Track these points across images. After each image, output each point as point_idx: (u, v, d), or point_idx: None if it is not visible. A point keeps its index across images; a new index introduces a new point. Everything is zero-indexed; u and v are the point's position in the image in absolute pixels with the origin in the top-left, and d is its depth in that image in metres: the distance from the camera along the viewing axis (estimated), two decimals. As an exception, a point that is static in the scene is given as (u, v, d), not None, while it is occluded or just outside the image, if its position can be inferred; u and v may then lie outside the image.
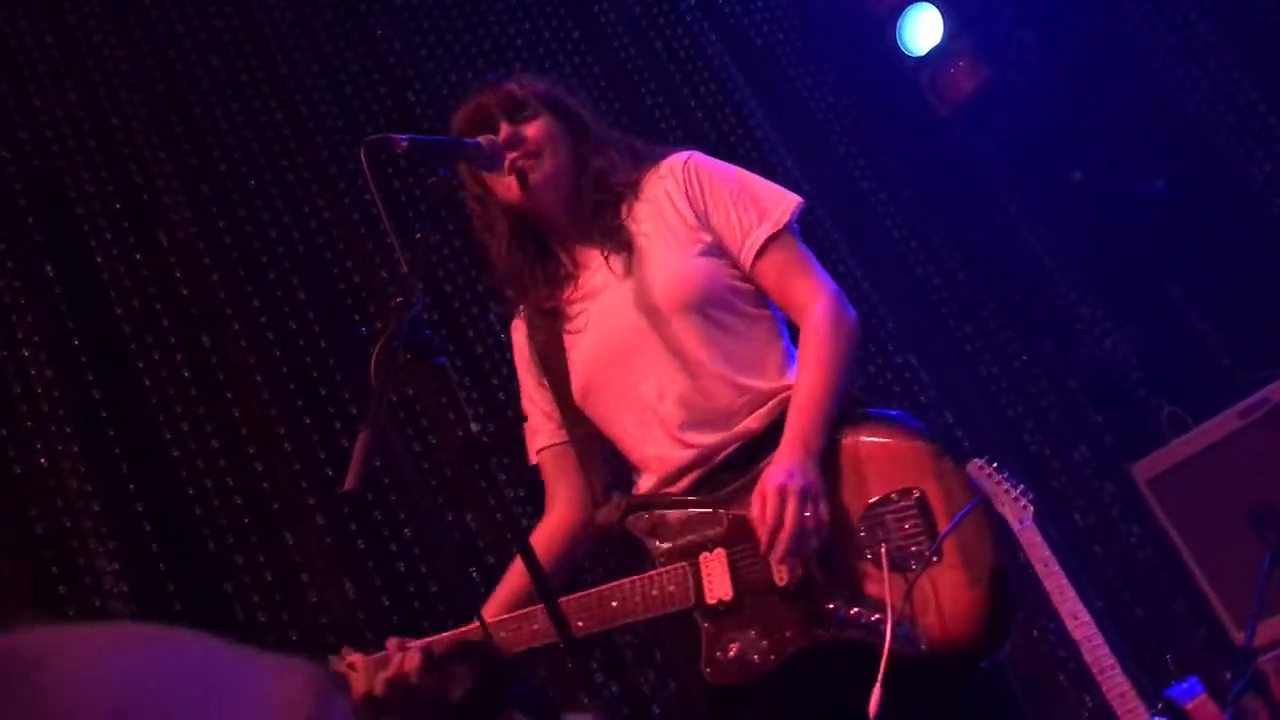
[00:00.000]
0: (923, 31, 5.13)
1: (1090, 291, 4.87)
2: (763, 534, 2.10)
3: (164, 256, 3.68)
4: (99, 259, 3.62)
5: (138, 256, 3.64)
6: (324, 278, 3.87)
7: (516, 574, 2.34)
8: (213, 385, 3.56)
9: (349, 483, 1.97)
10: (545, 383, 2.44)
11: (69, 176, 3.75)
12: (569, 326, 2.40)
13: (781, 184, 2.43)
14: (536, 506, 2.42)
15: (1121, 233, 4.88)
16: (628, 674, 3.50)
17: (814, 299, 2.29)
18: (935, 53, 5.08)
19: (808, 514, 2.08)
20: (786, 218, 2.34)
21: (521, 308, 2.50)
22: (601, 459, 2.43)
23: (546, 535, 2.44)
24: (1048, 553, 3.60)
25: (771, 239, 2.32)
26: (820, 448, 2.15)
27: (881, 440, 2.19)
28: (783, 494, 2.09)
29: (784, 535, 2.08)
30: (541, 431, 2.48)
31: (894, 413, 2.27)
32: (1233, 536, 3.94)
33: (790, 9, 5.13)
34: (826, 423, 2.18)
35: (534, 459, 2.51)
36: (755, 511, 2.12)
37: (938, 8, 5.08)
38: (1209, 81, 4.73)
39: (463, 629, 2.28)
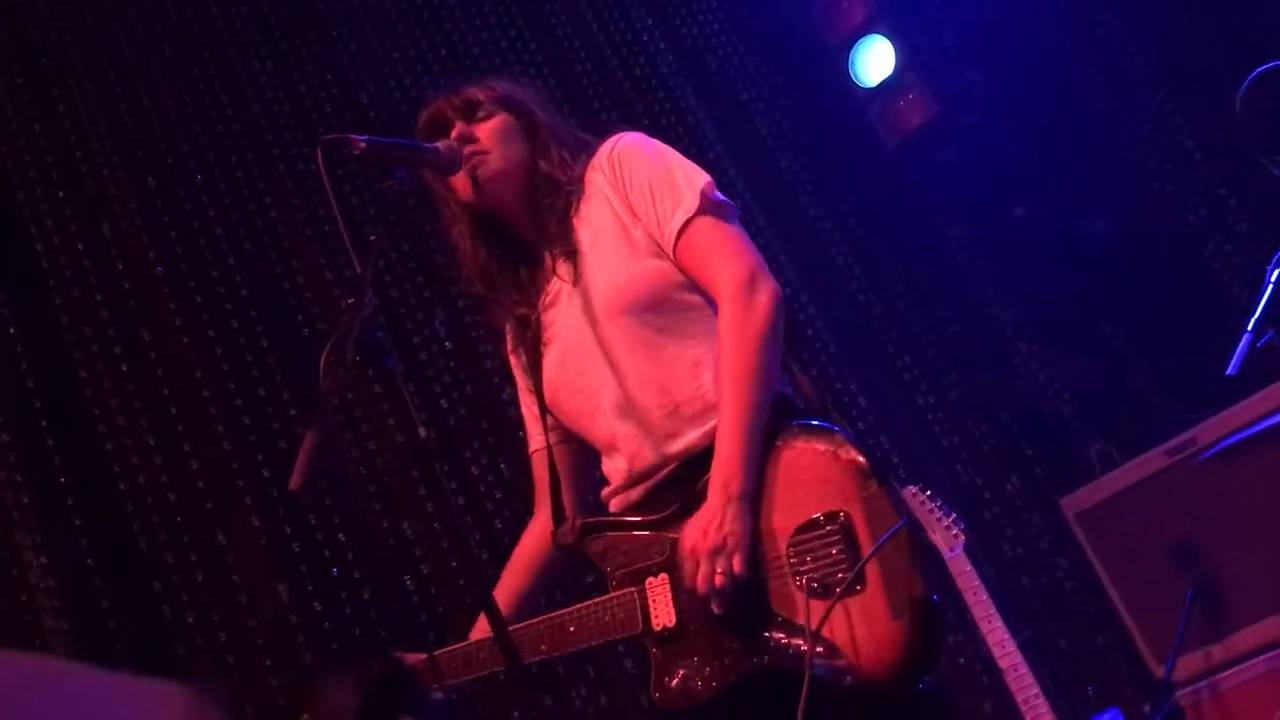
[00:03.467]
0: (874, 63, 5.20)
1: (1027, 326, 4.97)
2: (685, 581, 2.14)
3: (106, 247, 3.63)
4: (39, 246, 3.55)
5: (79, 246, 3.58)
6: (268, 276, 3.83)
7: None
8: (150, 380, 3.51)
9: (294, 482, 1.96)
10: (530, 386, 2.46)
11: (11, 160, 3.68)
12: (542, 335, 2.42)
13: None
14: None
15: (1061, 269, 4.98)
16: (561, 689, 3.49)
17: (723, 292, 2.23)
18: (886, 84, 5.15)
19: (719, 572, 2.08)
20: (696, 201, 2.27)
21: (506, 310, 2.50)
22: (586, 466, 2.46)
23: (529, 541, 2.48)
24: (977, 582, 3.66)
25: (685, 225, 2.27)
26: (745, 486, 2.13)
27: (811, 458, 2.16)
28: (694, 555, 2.10)
29: (699, 594, 2.11)
30: (532, 434, 2.51)
31: (825, 425, 2.22)
32: (1156, 572, 4.01)
33: (746, 33, 5.19)
34: (749, 456, 2.14)
35: (530, 455, 2.54)
36: (678, 560, 2.15)
37: (890, 41, 5.16)
38: (1150, 126, 4.85)
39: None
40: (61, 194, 3.63)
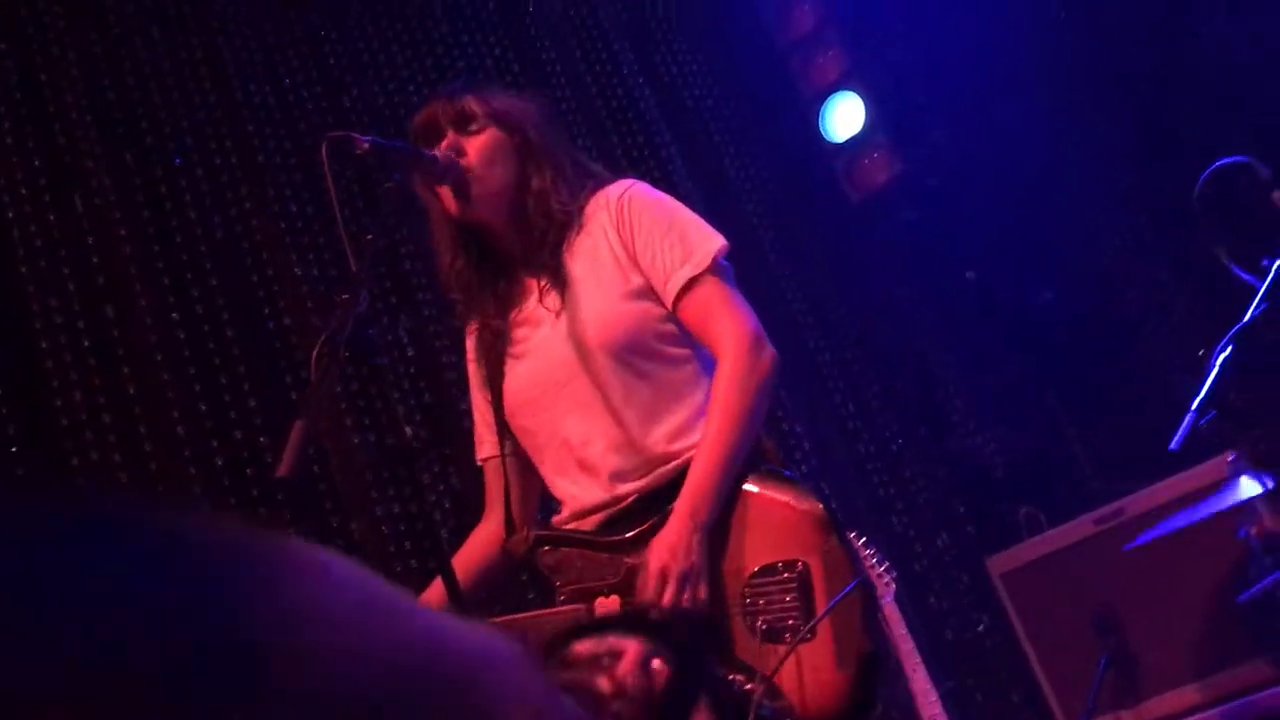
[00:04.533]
0: (844, 120, 5.33)
1: (970, 386, 5.11)
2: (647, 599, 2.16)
3: (78, 221, 3.60)
4: (10, 214, 3.52)
5: (51, 217, 3.55)
6: (238, 266, 3.83)
7: (435, 592, 2.37)
8: (111, 358, 3.48)
9: (283, 469, 1.99)
10: (489, 396, 2.48)
11: (-13, 125, 3.64)
12: (510, 349, 2.44)
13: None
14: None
15: (1006, 335, 5.13)
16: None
17: (727, 343, 2.29)
18: (854, 141, 5.29)
19: (684, 599, 2.13)
20: (709, 261, 2.33)
21: (473, 318, 2.54)
22: (536, 479, 2.50)
23: (474, 545, 2.50)
24: (904, 630, 3.75)
25: (693, 280, 2.32)
26: (709, 518, 2.18)
27: (777, 506, 2.22)
28: (663, 576, 2.14)
29: None
30: (485, 442, 2.54)
31: (791, 476, 2.30)
32: (1074, 637, 4.14)
33: (722, 76, 5.30)
34: (720, 492, 2.20)
35: (480, 463, 2.57)
36: (640, 580, 2.18)
37: (861, 98, 5.30)
38: (1105, 202, 5.03)
39: None
40: (37, 163, 3.60)
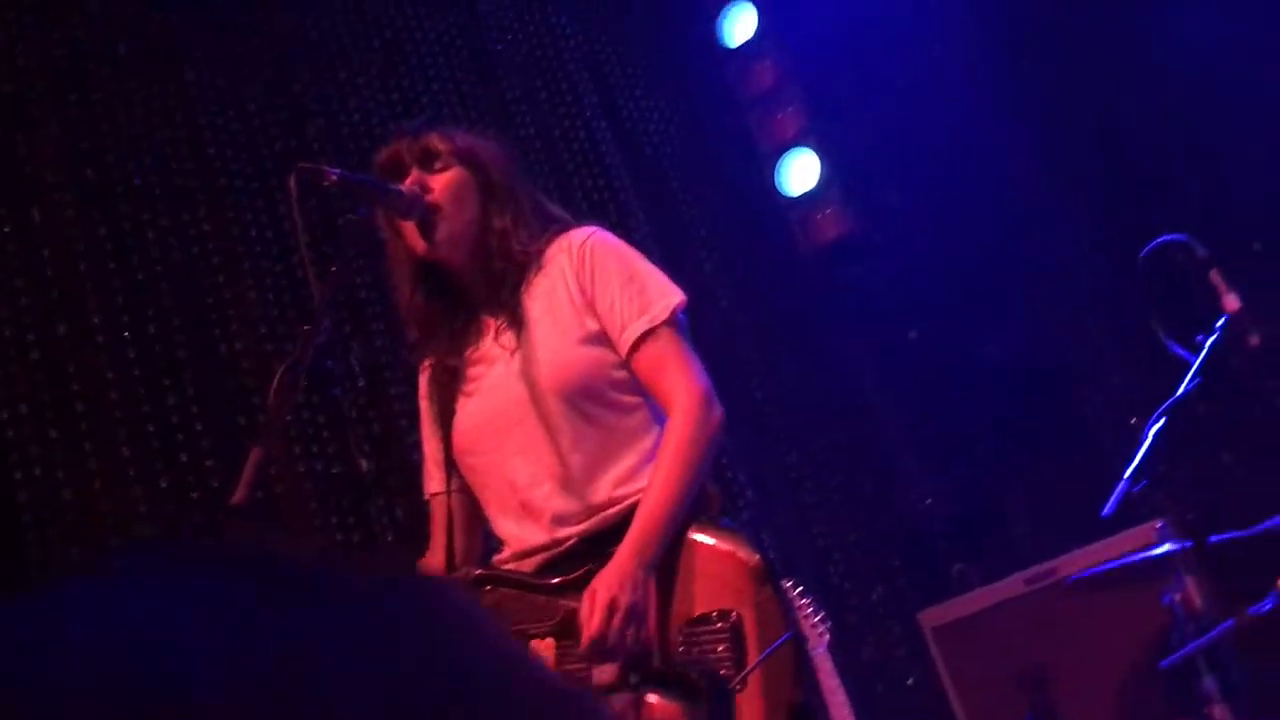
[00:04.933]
0: (799, 175, 5.45)
1: (911, 442, 5.20)
2: (585, 638, 2.18)
3: (34, 234, 3.58)
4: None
5: (6, 229, 3.53)
6: (193, 289, 3.82)
7: None
8: (61, 376, 3.46)
9: (238, 497, 2.00)
10: (439, 432, 2.50)
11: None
12: (463, 387, 2.46)
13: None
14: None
15: (948, 393, 5.24)
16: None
17: (679, 398, 2.31)
18: (809, 196, 5.40)
19: (629, 631, 2.16)
20: (665, 314, 2.35)
21: (428, 353, 2.55)
22: (480, 518, 2.51)
23: None
24: (836, 680, 3.79)
25: (647, 333, 2.34)
26: (655, 559, 2.21)
27: (716, 555, 2.25)
28: (612, 608, 2.16)
29: (605, 648, 2.17)
30: (433, 477, 2.54)
31: (731, 526, 2.34)
32: (1001, 694, 4.21)
33: (685, 127, 5.39)
34: (666, 535, 2.23)
35: (426, 498, 2.57)
36: (584, 612, 2.19)
37: (817, 154, 5.42)
38: (1055, 269, 5.16)
39: None
40: (-3, 172, 3.59)
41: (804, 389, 5.19)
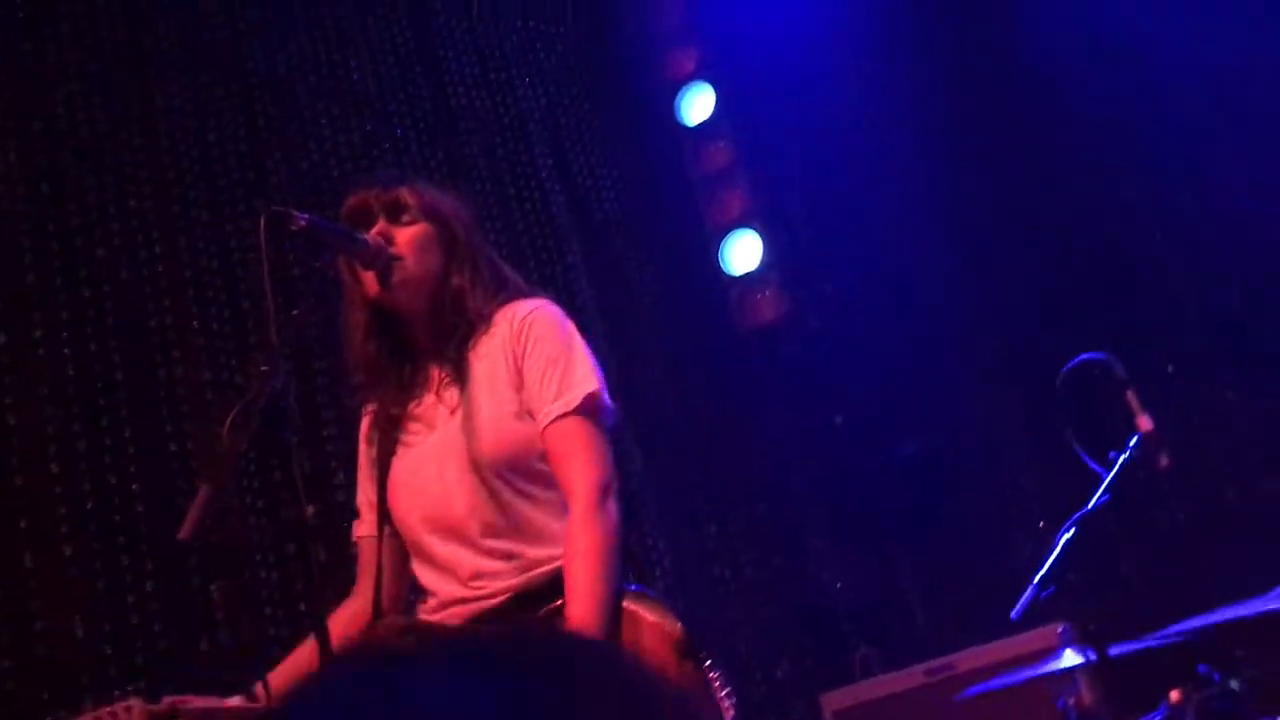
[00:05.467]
0: (741, 255, 5.59)
1: (828, 526, 5.32)
2: None
3: (-16, 242, 3.57)
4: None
5: (-44, 235, 3.51)
6: (137, 311, 3.82)
7: (306, 652, 2.39)
8: (-4, 384, 3.43)
9: (184, 532, 2.03)
10: (374, 477, 2.53)
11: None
12: (403, 438, 2.50)
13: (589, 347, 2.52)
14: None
15: (865, 479, 5.37)
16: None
17: (577, 491, 2.35)
18: (749, 277, 5.54)
19: None
20: (578, 401, 2.39)
21: (373, 398, 2.59)
22: (408, 565, 2.53)
23: (340, 620, 2.50)
24: (738, 756, 3.85)
25: (560, 418, 2.38)
26: None
27: (641, 626, 2.29)
28: None
29: None
30: (364, 520, 2.58)
31: (655, 597, 2.37)
32: (895, 779, 4.29)
33: (637, 198, 5.51)
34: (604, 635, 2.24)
35: (355, 540, 2.60)
36: None
37: (761, 236, 5.56)
38: (975, 370, 5.34)
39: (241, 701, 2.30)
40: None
41: (729, 463, 5.29)
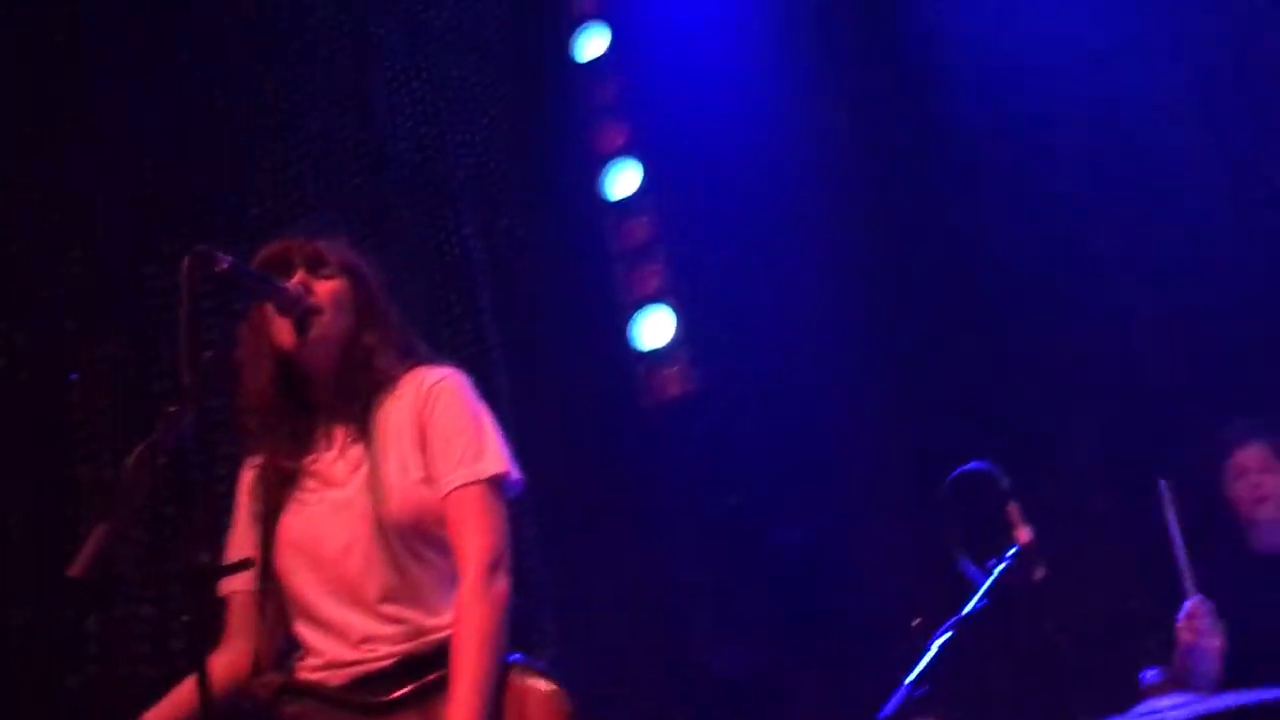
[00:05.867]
0: (653, 330, 5.69)
1: (711, 606, 5.37)
2: None
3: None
4: None
5: None
6: (52, 347, 3.74)
7: (185, 695, 2.36)
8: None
9: (76, 570, 2.01)
10: (257, 531, 2.49)
11: None
12: (296, 494, 2.47)
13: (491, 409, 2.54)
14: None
15: (756, 563, 5.42)
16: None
17: (470, 562, 2.35)
18: (659, 352, 5.63)
19: None
20: (486, 474, 2.40)
21: (260, 448, 2.55)
22: (285, 621, 2.48)
23: (214, 671, 2.44)
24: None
25: (465, 485, 2.39)
26: None
27: (531, 697, 2.31)
28: None
29: None
30: (240, 575, 2.48)
31: (543, 668, 2.38)
32: None
33: (557, 266, 5.58)
34: (487, 711, 2.25)
35: (224, 594, 2.54)
36: None
37: (674, 313, 5.66)
38: (865, 465, 5.45)
39: None
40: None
41: (621, 537, 5.32)
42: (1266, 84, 5.02)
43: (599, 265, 5.71)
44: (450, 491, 2.40)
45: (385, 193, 5.03)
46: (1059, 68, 5.26)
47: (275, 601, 2.48)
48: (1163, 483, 3.90)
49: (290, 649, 2.48)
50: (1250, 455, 4.13)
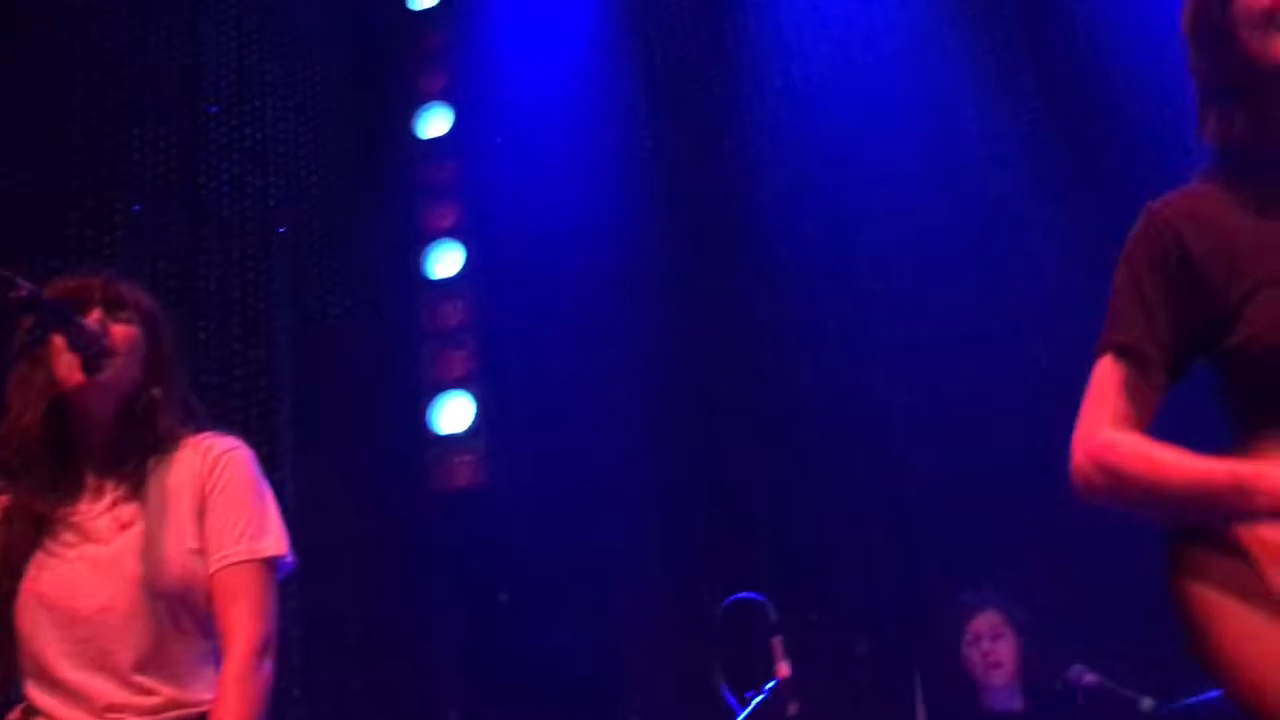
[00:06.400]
0: (450, 416, 5.62)
1: (466, 706, 5.29)
2: None
3: None
4: None
5: None
6: None
7: None
8: None
9: None
10: None
11: None
12: (50, 543, 2.36)
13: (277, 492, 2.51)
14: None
15: (529, 664, 5.35)
16: None
17: (238, 640, 2.31)
18: (453, 438, 5.58)
19: None
20: (264, 554, 2.37)
21: (13, 486, 2.41)
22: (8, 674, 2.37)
23: None
24: None
25: (239, 564, 2.34)
26: None
27: None
28: None
29: None
30: None
31: None
32: None
33: (365, 338, 5.50)
34: None
35: None
36: None
37: (475, 400, 5.62)
38: (635, 564, 5.49)
39: None
40: None
41: (385, 620, 5.22)
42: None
43: (411, 343, 5.66)
44: (224, 566, 2.34)
45: (198, 245, 4.90)
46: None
47: (4, 656, 2.35)
48: (917, 675, 4.12)
49: (16, 700, 2.36)
50: (984, 622, 4.40)
